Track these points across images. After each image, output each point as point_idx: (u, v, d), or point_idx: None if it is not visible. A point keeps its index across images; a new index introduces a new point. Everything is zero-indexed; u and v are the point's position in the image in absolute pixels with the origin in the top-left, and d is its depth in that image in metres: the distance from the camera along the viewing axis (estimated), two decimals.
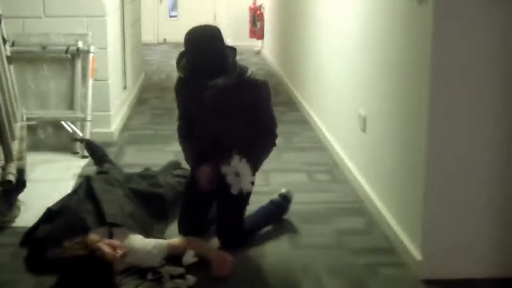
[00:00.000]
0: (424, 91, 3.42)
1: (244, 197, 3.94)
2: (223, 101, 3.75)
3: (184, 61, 3.70)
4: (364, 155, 4.76)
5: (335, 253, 3.89)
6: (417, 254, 3.58)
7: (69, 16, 5.90)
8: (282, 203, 4.34)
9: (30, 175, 5.09)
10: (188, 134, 3.99)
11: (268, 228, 4.21)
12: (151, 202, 4.18)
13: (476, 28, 3.30)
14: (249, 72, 3.81)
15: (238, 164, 3.72)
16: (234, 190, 3.75)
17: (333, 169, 5.35)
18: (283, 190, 4.41)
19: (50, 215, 3.88)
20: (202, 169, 3.87)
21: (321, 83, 6.34)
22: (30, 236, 3.78)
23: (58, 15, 5.89)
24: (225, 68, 3.64)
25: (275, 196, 4.37)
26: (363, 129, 4.70)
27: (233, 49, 3.78)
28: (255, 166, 3.86)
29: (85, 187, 4.02)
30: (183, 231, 3.96)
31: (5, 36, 4.99)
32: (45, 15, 5.88)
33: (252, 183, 3.84)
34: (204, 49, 3.60)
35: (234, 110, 3.77)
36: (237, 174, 3.74)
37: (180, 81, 3.94)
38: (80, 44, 5.84)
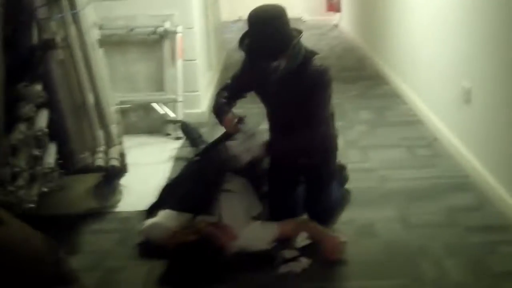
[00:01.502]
0: None
1: (329, 181, 3.88)
2: (287, 86, 3.56)
3: (247, 42, 3.49)
4: (469, 128, 4.56)
5: (449, 231, 3.73)
6: None
7: None
8: (341, 174, 4.19)
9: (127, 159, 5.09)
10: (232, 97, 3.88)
11: (375, 206, 4.11)
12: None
13: None
14: (315, 58, 3.55)
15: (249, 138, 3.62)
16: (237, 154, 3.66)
17: (433, 144, 5.16)
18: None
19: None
20: (226, 119, 3.76)
21: (416, 56, 6.11)
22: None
23: None
24: (288, 50, 3.43)
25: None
26: (467, 101, 4.50)
27: (298, 31, 3.59)
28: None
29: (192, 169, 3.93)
30: (274, 216, 3.84)
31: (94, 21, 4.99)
32: None
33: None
34: (266, 30, 3.37)
35: (297, 97, 3.56)
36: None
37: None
38: (167, 25, 5.78)
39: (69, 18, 3.96)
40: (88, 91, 4.01)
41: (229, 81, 3.93)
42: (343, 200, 4.08)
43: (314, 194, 3.84)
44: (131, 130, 5.77)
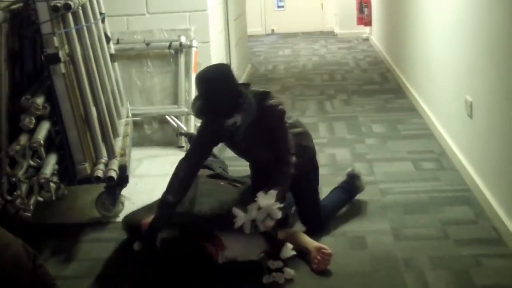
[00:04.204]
0: None
1: (313, 193, 4.00)
2: (252, 135, 3.64)
3: (198, 104, 3.52)
4: (471, 142, 4.58)
5: (439, 244, 3.75)
6: None
7: (172, 12, 5.94)
8: (352, 183, 4.33)
9: (136, 171, 5.22)
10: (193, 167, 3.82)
11: (370, 218, 4.13)
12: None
13: None
14: (268, 97, 3.63)
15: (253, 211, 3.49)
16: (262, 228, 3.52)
17: (440, 157, 5.17)
18: (349, 169, 4.42)
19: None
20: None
21: (429, 69, 6.15)
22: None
23: (160, 12, 5.94)
24: (240, 105, 3.48)
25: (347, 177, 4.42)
26: (470, 115, 4.52)
27: (246, 85, 3.65)
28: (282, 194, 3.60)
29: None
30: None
31: (109, 35, 5.12)
32: (148, 12, 5.95)
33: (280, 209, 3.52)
34: (212, 90, 3.43)
35: (264, 138, 3.65)
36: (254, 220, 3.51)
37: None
38: (183, 39, 5.89)
39: (73, 33, 4.08)
40: (91, 104, 4.12)
41: (189, 151, 3.93)
42: (340, 207, 4.20)
43: (304, 205, 3.98)
44: (145, 142, 5.92)
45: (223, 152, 5.55)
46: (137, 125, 5.80)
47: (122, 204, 4.36)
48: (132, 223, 3.86)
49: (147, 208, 3.97)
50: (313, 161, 4.04)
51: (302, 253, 3.61)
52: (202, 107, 3.48)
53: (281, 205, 3.48)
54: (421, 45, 6.63)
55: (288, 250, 3.56)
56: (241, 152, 3.87)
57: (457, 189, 4.52)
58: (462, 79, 4.80)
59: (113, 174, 3.98)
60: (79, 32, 4.16)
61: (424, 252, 3.65)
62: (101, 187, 4.27)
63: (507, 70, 3.75)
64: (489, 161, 4.15)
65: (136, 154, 5.43)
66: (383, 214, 4.17)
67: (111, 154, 4.18)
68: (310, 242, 3.66)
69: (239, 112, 3.48)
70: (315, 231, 3.91)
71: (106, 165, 4.13)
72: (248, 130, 3.62)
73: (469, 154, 4.62)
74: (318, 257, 3.54)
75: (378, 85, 8.16)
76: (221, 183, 4.21)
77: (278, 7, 13.72)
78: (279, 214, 3.45)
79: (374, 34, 11.36)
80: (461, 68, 4.84)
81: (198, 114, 3.60)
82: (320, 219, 4.00)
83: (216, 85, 3.44)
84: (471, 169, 4.52)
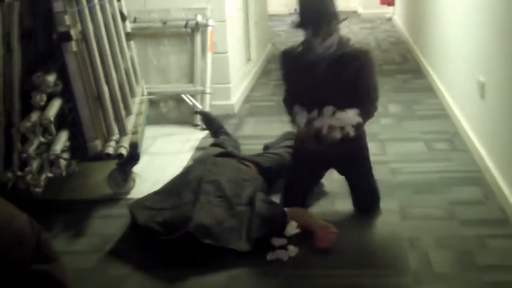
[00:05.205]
0: None
1: (366, 164, 4.00)
2: (334, 72, 3.70)
3: (296, 17, 3.75)
4: (483, 123, 4.56)
5: (445, 224, 3.76)
6: None
7: None
8: None
9: (151, 148, 5.28)
10: (294, 103, 3.92)
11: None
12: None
13: None
14: (350, 41, 3.78)
15: (330, 116, 3.64)
16: (330, 139, 3.65)
17: (453, 138, 5.16)
18: None
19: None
20: (302, 131, 3.83)
21: (446, 50, 6.12)
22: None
23: None
24: (336, 16, 3.67)
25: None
26: (483, 96, 4.50)
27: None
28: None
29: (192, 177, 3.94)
30: (288, 202, 3.94)
31: (125, 14, 5.15)
32: None
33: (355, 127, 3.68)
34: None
35: (343, 81, 3.71)
36: (331, 127, 3.65)
37: (286, 56, 3.90)
38: (199, 18, 5.91)
39: (86, 11, 4.11)
40: (104, 83, 4.16)
41: (284, 95, 4.03)
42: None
43: (359, 181, 3.99)
44: (161, 120, 5.97)
45: (238, 131, 5.60)
46: (153, 103, 5.85)
47: (134, 180, 4.41)
48: (135, 215, 3.79)
49: (154, 195, 3.94)
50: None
51: (307, 231, 3.63)
52: (301, 16, 3.71)
53: (358, 122, 3.62)
54: (439, 25, 6.59)
55: (293, 227, 3.59)
56: (313, 91, 3.79)
57: (467, 169, 4.52)
58: (475, 60, 4.78)
59: (123, 151, 4.03)
60: (91, 10, 4.19)
61: (429, 232, 3.66)
62: (114, 164, 4.33)
63: None
64: (500, 142, 4.13)
65: (151, 132, 5.49)
66: (391, 194, 4.17)
67: (122, 131, 4.22)
68: (315, 220, 3.69)
69: (334, 32, 3.66)
70: (374, 207, 3.97)
71: (118, 142, 4.17)
72: (331, 67, 3.68)
73: (481, 135, 4.60)
74: (323, 235, 3.56)
75: (398, 65, 8.14)
76: (231, 161, 4.22)
77: None
78: (351, 131, 3.59)
79: (397, 14, 11.29)
80: (474, 49, 4.82)
81: (295, 26, 3.77)
82: (378, 192, 4.02)
83: None
84: (482, 150, 4.50)
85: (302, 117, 3.77)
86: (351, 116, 3.65)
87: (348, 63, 3.70)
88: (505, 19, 3.99)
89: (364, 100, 3.76)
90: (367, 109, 3.77)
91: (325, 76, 3.71)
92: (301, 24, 3.75)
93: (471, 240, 3.53)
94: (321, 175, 4.13)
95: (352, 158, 3.93)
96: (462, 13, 5.33)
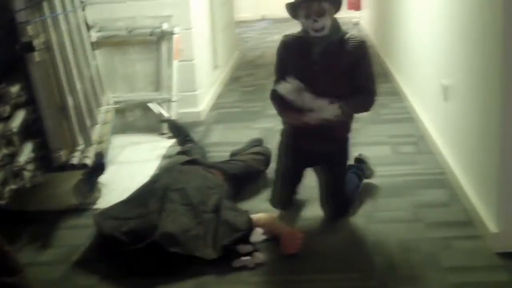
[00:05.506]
0: (499, 59, 3.26)
1: (344, 169, 4.02)
2: (329, 59, 3.73)
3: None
4: (447, 125, 4.62)
5: (410, 227, 3.80)
6: (492, 227, 3.45)
7: None
8: (362, 167, 4.38)
9: (118, 157, 5.26)
10: None
11: None
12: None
13: None
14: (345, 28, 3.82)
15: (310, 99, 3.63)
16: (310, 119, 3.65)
17: (418, 141, 5.21)
18: (357, 155, 4.45)
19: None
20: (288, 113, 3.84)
21: (410, 55, 6.19)
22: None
23: None
24: (331, 8, 3.66)
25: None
26: (445, 99, 4.55)
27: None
28: (346, 110, 3.71)
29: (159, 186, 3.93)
30: (279, 204, 4.02)
31: (89, 23, 5.14)
32: None
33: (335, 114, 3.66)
34: None
35: (339, 68, 3.73)
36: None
37: (283, 43, 3.92)
38: (165, 26, 5.92)
39: (49, 21, 4.11)
40: (68, 92, 4.15)
41: (275, 80, 4.00)
42: (356, 193, 4.20)
43: (334, 184, 3.96)
44: (128, 129, 5.96)
45: (205, 138, 5.61)
46: (120, 112, 5.84)
47: (99, 191, 4.40)
48: (100, 225, 3.78)
49: (120, 204, 3.93)
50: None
51: (273, 237, 3.65)
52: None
53: (337, 112, 3.61)
54: (404, 30, 6.65)
55: (258, 234, 3.61)
56: (308, 77, 3.74)
57: (432, 172, 4.57)
58: (439, 64, 4.83)
59: (88, 161, 4.02)
60: (55, 20, 4.19)
61: (395, 235, 3.70)
62: (79, 175, 4.31)
63: (480, 56, 3.77)
64: (463, 145, 4.19)
65: (118, 141, 5.48)
66: (358, 198, 4.20)
67: (87, 141, 4.22)
68: (281, 226, 3.71)
69: (330, 12, 3.64)
70: (341, 214, 3.96)
71: (83, 152, 4.16)
72: (327, 53, 3.70)
73: (445, 138, 4.66)
74: (289, 240, 3.58)
75: None
76: (197, 169, 4.23)
77: None
78: (329, 114, 3.60)
79: (364, 19, 11.37)
80: (437, 54, 4.87)
81: (289, 9, 3.73)
82: (346, 200, 4.02)
83: None
84: (446, 153, 4.56)
85: (286, 86, 3.72)
86: (330, 110, 3.63)
87: (344, 51, 3.71)
88: (467, 25, 4.05)
89: (361, 91, 3.78)
90: (364, 101, 3.84)
91: (320, 62, 3.74)
92: (294, 8, 3.73)
93: (436, 242, 3.58)
94: (303, 171, 4.12)
95: (334, 158, 3.96)
96: (426, 19, 5.38)
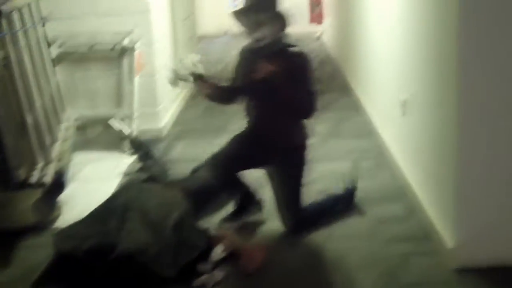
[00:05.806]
0: (454, 75, 3.33)
1: (297, 176, 3.99)
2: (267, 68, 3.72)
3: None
4: (404, 139, 4.69)
5: (368, 243, 3.83)
6: (449, 242, 3.50)
7: (115, 14, 5.97)
8: (345, 194, 4.34)
9: (79, 175, 5.21)
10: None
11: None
12: None
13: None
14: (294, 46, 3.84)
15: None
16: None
17: (378, 156, 5.27)
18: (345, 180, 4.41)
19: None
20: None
21: (369, 69, 6.28)
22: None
23: (104, 14, 5.97)
24: (274, 19, 3.70)
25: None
26: (403, 115, 4.62)
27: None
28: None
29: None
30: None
31: (49, 39, 5.12)
32: (92, 14, 5.95)
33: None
34: None
35: (277, 78, 3.71)
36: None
37: (240, 52, 4.02)
38: (126, 42, 5.91)
39: (8, 38, 4.09)
40: (27, 109, 4.13)
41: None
42: (326, 216, 4.17)
43: (284, 194, 3.98)
44: (89, 145, 5.90)
45: (167, 154, 5.60)
46: (80, 128, 5.81)
47: (59, 209, 4.36)
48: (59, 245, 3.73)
49: (80, 223, 3.88)
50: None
51: (234, 254, 3.66)
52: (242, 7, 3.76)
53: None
54: (364, 45, 6.73)
55: (218, 252, 3.61)
56: (249, 84, 3.86)
57: (390, 187, 4.63)
58: (397, 79, 4.90)
59: (47, 179, 4.00)
60: (14, 36, 4.17)
61: (353, 251, 3.73)
62: (38, 193, 4.27)
63: (436, 72, 3.83)
64: (420, 159, 4.25)
65: (79, 158, 5.44)
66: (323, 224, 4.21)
67: (47, 159, 4.20)
68: (241, 243, 3.72)
69: (270, 24, 3.69)
70: (295, 230, 3.95)
71: (42, 170, 4.14)
72: (265, 62, 3.70)
73: (403, 152, 4.72)
74: (250, 257, 3.60)
75: (326, 84, 8.24)
76: (157, 187, 4.22)
77: (232, 7, 13.77)
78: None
79: (326, 33, 11.46)
80: (396, 69, 4.95)
81: (235, 15, 3.78)
82: (303, 218, 4.00)
83: None
84: (404, 167, 4.62)
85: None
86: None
87: (282, 61, 3.69)
88: (422, 41, 4.12)
89: (295, 103, 3.83)
90: (300, 109, 3.91)
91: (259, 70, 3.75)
92: (236, 18, 3.79)
93: (394, 258, 3.61)
94: (248, 165, 4.10)
95: (287, 165, 3.97)
96: (384, 35, 5.46)
